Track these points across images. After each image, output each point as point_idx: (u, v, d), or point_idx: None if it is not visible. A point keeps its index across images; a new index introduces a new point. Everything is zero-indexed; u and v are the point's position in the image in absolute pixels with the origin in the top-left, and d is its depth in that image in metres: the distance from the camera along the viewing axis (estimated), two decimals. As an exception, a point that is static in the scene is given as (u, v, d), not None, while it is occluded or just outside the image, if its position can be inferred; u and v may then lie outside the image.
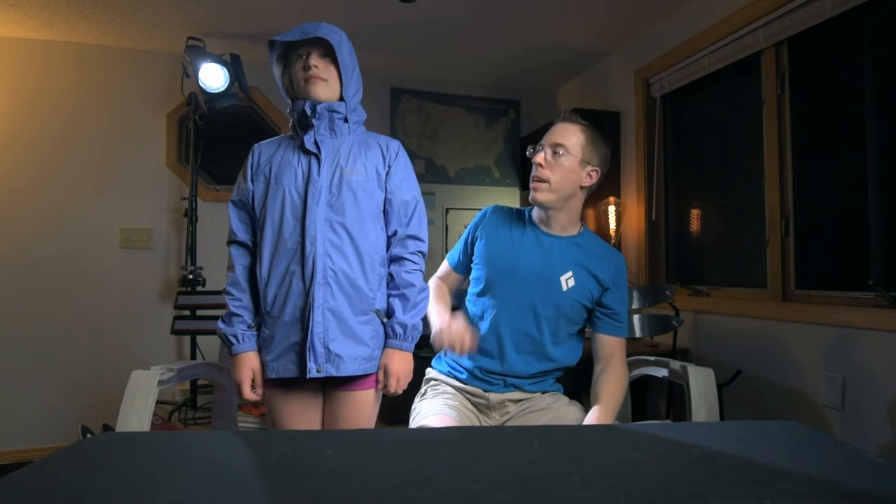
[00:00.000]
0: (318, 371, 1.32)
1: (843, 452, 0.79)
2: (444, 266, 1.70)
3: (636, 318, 2.21)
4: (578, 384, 1.53)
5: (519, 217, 1.59)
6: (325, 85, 1.39)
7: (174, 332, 2.80)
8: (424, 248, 1.46)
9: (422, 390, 1.61)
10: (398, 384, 1.38)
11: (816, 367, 2.01)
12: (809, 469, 0.74)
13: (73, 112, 3.07)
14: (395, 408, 1.84)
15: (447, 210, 3.60)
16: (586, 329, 1.59)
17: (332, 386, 1.41)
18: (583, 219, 1.59)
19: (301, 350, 1.34)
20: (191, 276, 2.93)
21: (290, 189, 1.37)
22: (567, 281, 1.48)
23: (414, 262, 1.43)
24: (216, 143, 3.19)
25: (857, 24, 1.99)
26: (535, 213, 1.56)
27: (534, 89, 3.91)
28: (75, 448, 0.80)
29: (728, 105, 2.60)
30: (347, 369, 1.34)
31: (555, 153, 1.46)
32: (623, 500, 0.63)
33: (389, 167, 1.44)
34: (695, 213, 2.82)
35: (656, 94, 2.96)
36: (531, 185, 1.49)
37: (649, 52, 2.95)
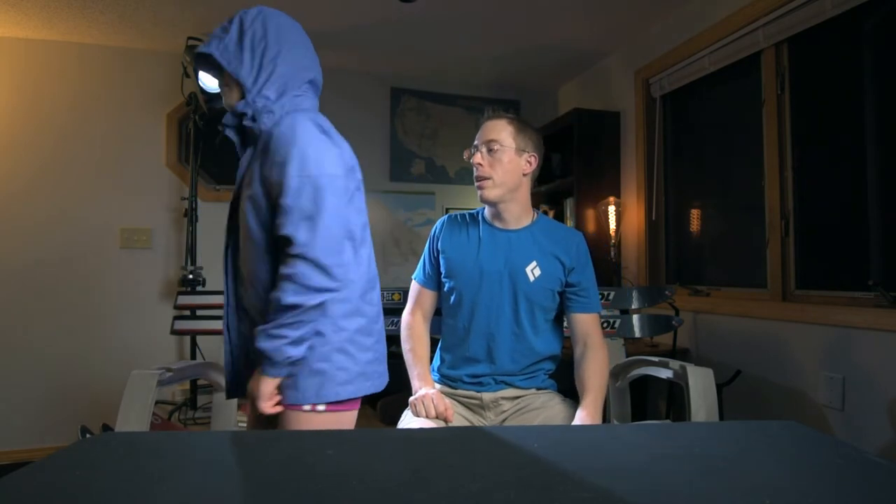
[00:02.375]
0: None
1: (843, 452, 0.79)
2: (414, 288, 1.66)
3: (636, 317, 2.21)
4: (573, 383, 1.54)
5: (473, 220, 1.62)
6: (227, 90, 1.26)
7: (174, 332, 2.80)
8: (300, 249, 1.12)
9: (411, 399, 1.61)
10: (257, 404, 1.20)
11: (816, 367, 2.01)
12: (809, 469, 0.74)
13: (73, 112, 3.07)
14: (396, 409, 1.84)
15: (447, 210, 3.59)
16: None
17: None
18: (536, 207, 1.62)
19: None
20: (191, 276, 2.93)
21: None
22: (532, 271, 1.51)
23: (285, 277, 1.13)
24: (216, 143, 3.19)
25: (857, 24, 1.99)
26: (488, 210, 1.59)
27: (534, 89, 3.91)
28: (75, 448, 0.80)
29: (728, 105, 2.60)
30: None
31: (490, 150, 1.50)
32: (623, 501, 0.63)
33: (265, 154, 1.18)
34: (695, 213, 2.82)
35: (656, 94, 2.96)
36: (476, 185, 1.53)
37: (649, 52, 2.95)
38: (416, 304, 1.64)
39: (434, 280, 1.63)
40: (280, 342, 1.14)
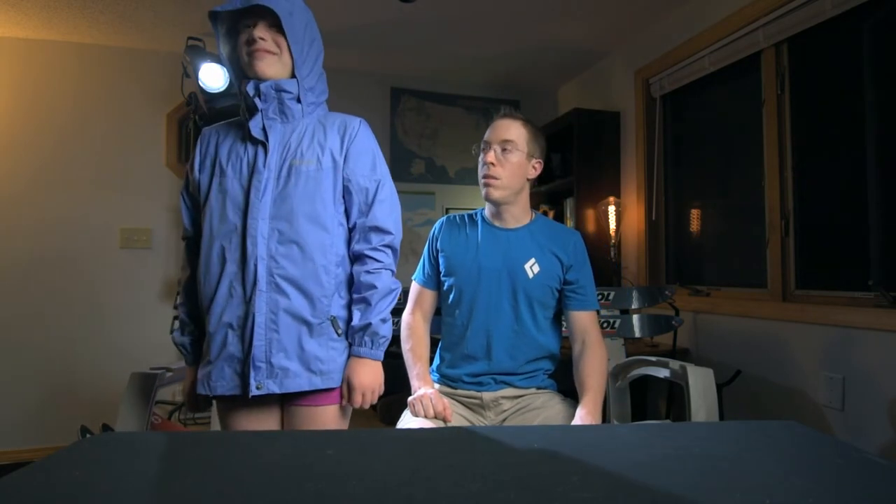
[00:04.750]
0: (258, 388, 1.17)
1: (843, 452, 0.79)
2: (414, 288, 1.66)
3: (636, 317, 2.21)
4: (573, 383, 1.54)
5: (471, 220, 1.63)
6: (274, 59, 1.20)
7: (174, 331, 2.79)
8: (392, 240, 1.27)
9: (410, 399, 1.61)
10: (364, 398, 1.23)
11: (816, 367, 2.01)
12: (809, 469, 0.74)
13: (73, 112, 3.07)
14: (396, 409, 1.84)
15: (447, 210, 3.59)
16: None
17: (290, 401, 1.25)
18: (536, 207, 1.62)
19: (241, 364, 1.19)
20: (191, 276, 2.93)
21: (232, 181, 1.21)
22: (532, 268, 1.52)
23: (377, 260, 1.25)
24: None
25: (857, 24, 1.99)
26: (488, 210, 1.61)
27: (534, 89, 3.91)
28: (75, 448, 0.80)
29: (728, 105, 2.60)
30: (293, 385, 1.19)
31: (504, 150, 1.50)
32: (623, 500, 0.63)
33: (348, 150, 1.25)
34: (695, 213, 2.82)
35: (656, 94, 2.96)
36: (483, 182, 1.53)
37: (649, 52, 2.94)
38: (416, 305, 1.65)
39: (434, 280, 1.64)
40: (389, 325, 1.26)
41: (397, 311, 1.83)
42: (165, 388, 1.57)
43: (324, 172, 1.23)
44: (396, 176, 3.58)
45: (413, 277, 1.69)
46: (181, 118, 3.23)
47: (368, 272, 1.24)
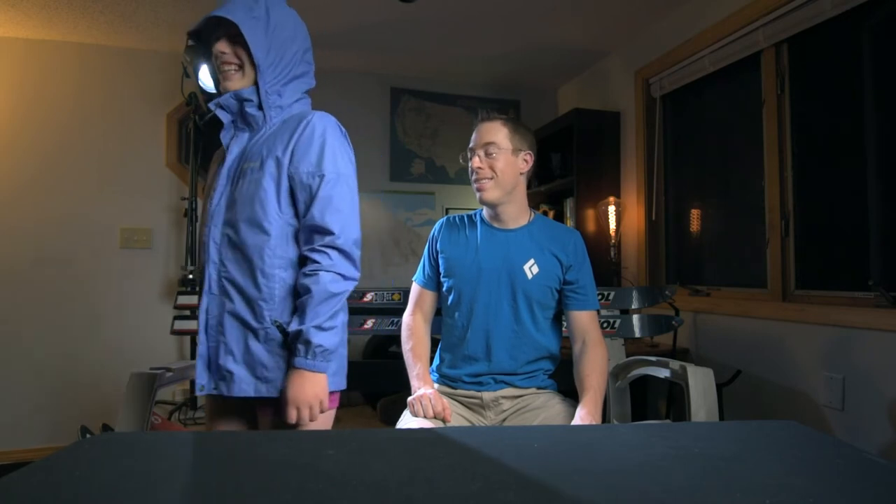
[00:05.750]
0: (201, 389, 1.20)
1: (843, 452, 0.79)
2: (415, 289, 1.67)
3: (636, 317, 2.20)
4: (573, 383, 1.54)
5: (470, 221, 1.64)
6: (234, 71, 1.21)
7: (174, 332, 2.80)
8: (334, 240, 1.16)
9: (409, 399, 1.61)
10: (299, 414, 1.14)
11: (816, 367, 2.01)
12: (809, 469, 0.74)
13: (74, 112, 3.07)
14: (396, 409, 1.84)
15: (447, 210, 3.59)
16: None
17: (258, 405, 1.24)
18: (536, 207, 1.63)
19: (205, 364, 1.22)
20: (191, 276, 2.93)
21: (209, 192, 1.28)
22: (531, 269, 1.52)
23: (315, 262, 1.16)
24: (216, 144, 3.19)
25: (857, 24, 1.99)
26: (486, 211, 1.62)
27: (534, 89, 3.91)
28: (75, 448, 0.80)
29: (728, 105, 2.60)
30: (239, 390, 1.18)
31: (487, 153, 1.52)
32: (623, 501, 0.63)
33: (294, 146, 1.19)
34: (695, 213, 2.82)
35: (656, 94, 2.96)
36: (475, 188, 1.56)
37: (649, 52, 2.94)
38: (416, 306, 1.66)
39: (434, 281, 1.64)
40: (331, 333, 1.16)
41: (396, 311, 1.84)
42: (165, 388, 1.57)
43: (264, 173, 1.19)
44: (396, 176, 3.58)
45: (413, 278, 1.70)
46: (181, 118, 3.23)
47: (305, 275, 1.16)
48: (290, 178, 1.19)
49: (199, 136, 3.00)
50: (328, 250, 1.16)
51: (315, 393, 1.14)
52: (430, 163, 3.68)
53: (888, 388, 1.78)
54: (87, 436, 2.21)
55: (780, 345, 2.16)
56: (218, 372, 1.20)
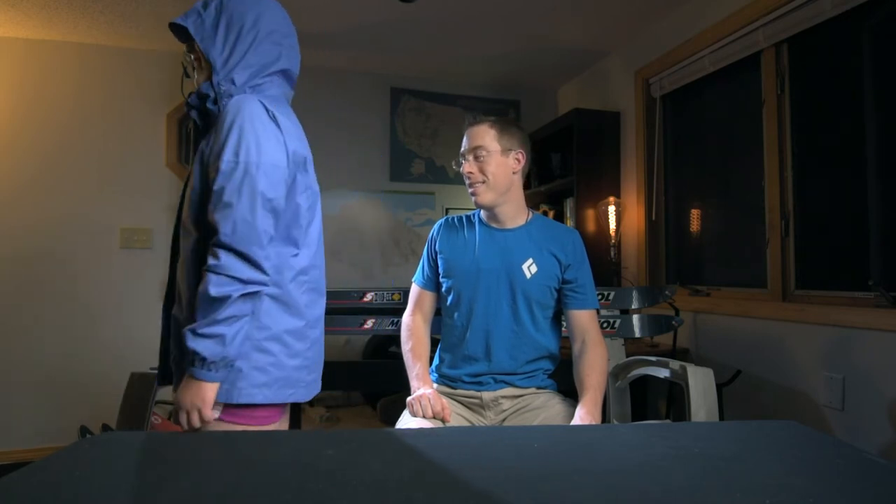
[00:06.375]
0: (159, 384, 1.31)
1: (843, 452, 0.79)
2: (414, 290, 1.68)
3: (636, 317, 2.20)
4: (573, 383, 1.54)
5: (469, 221, 1.65)
6: (194, 73, 1.21)
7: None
8: (225, 239, 1.05)
9: (408, 399, 1.61)
10: (182, 418, 1.07)
11: (816, 367, 2.01)
12: (809, 469, 0.74)
13: (74, 112, 3.07)
14: (396, 409, 1.84)
15: (447, 210, 3.60)
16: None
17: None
18: (536, 207, 1.63)
19: None
20: (191, 276, 2.93)
21: None
22: (529, 268, 1.53)
23: (207, 262, 1.06)
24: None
25: (857, 24, 1.99)
26: (483, 213, 1.62)
27: (534, 89, 3.91)
28: (75, 448, 0.80)
29: (728, 105, 2.60)
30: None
31: (477, 157, 1.53)
32: (623, 500, 0.63)
33: (212, 139, 1.13)
34: (695, 213, 2.82)
35: (656, 94, 2.96)
36: (470, 192, 1.56)
37: (649, 52, 2.94)
38: (416, 306, 1.66)
39: (433, 282, 1.64)
40: (211, 342, 1.04)
41: (396, 311, 1.84)
42: (165, 388, 1.57)
43: (194, 170, 1.15)
44: (396, 176, 3.58)
45: (413, 279, 1.70)
46: (181, 118, 3.23)
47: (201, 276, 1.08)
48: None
49: (199, 136, 2.99)
50: (216, 249, 1.05)
51: (191, 399, 1.06)
52: (430, 163, 3.68)
53: (888, 388, 1.78)
54: (87, 436, 2.21)
55: (780, 345, 2.16)
56: (174, 371, 1.23)
